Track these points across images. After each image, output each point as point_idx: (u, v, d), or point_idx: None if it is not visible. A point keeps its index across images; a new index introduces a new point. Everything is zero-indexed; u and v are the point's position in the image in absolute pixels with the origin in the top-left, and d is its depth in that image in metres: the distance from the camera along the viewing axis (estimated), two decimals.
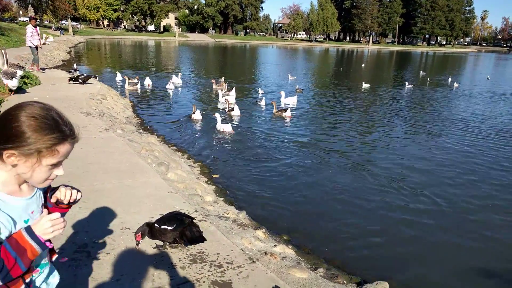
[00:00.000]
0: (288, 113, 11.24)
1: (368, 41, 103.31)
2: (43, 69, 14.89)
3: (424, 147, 9.00)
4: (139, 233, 3.09)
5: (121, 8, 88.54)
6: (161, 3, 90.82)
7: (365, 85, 19.19)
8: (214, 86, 14.91)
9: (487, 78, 26.87)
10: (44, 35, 19.14)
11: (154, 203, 4.11)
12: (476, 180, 6.88)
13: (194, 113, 10.41)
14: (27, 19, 46.56)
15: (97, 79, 14.15)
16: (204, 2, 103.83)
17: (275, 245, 3.90)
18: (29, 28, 14.01)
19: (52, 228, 1.28)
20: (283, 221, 5.04)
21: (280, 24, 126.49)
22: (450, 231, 5.03)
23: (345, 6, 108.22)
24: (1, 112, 1.26)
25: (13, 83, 9.17)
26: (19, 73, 9.61)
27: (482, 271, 4.27)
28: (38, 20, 16.08)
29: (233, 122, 10.39)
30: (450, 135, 10.15)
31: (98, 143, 6.06)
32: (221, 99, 12.77)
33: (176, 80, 16.12)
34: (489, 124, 11.84)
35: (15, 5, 68.29)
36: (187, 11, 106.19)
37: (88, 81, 12.13)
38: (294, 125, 10.74)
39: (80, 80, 11.82)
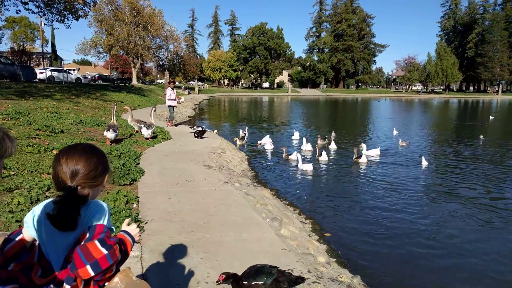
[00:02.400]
0: (363, 160, 12.06)
1: (497, 91, 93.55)
2: (176, 125, 16.81)
3: None
4: (224, 276, 3.21)
5: (240, 68, 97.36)
6: (276, 62, 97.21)
7: (482, 138, 17.74)
8: (318, 142, 15.56)
9: None
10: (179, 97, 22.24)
11: (269, 259, 4.19)
12: None
13: (290, 154, 12.15)
14: (163, 81, 54.08)
15: (215, 132, 15.59)
16: (316, 59, 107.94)
17: None
18: (169, 90, 16.29)
19: (138, 231, 1.90)
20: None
21: (394, 77, 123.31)
22: None
23: (468, 55, 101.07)
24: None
25: (111, 135, 9.79)
26: (144, 128, 11.55)
27: None
28: (174, 83, 18.55)
29: (321, 167, 11.68)
30: None
31: (218, 195, 6.53)
32: (303, 146, 14.39)
33: (295, 136, 17.58)
34: None
35: (154, 70, 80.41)
36: (300, 68, 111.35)
37: (204, 136, 13.21)
38: (386, 174, 10.74)
39: (196, 135, 13.06)
